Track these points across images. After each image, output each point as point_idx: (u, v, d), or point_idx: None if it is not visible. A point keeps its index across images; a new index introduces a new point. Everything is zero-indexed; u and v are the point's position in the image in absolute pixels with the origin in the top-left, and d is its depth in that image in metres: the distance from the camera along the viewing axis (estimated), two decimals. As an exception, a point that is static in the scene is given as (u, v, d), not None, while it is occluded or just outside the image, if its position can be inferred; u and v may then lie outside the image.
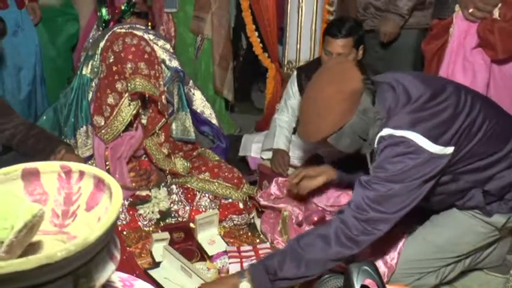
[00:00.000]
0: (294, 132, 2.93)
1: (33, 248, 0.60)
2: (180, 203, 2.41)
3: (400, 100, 1.74)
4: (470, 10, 2.24)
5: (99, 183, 0.65)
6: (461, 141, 1.72)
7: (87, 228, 0.63)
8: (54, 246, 0.61)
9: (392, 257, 2.00)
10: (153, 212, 2.34)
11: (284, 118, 2.85)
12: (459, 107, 1.73)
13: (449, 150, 1.68)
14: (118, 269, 0.73)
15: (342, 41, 2.48)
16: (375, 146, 1.76)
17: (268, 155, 2.80)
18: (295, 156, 2.79)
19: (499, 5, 2.16)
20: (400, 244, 2.02)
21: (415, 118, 1.68)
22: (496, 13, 2.17)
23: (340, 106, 1.70)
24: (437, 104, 1.71)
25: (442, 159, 1.68)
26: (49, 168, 0.66)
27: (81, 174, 0.67)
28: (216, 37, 3.61)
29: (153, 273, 1.96)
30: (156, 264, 2.03)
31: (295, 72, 2.86)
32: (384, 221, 1.69)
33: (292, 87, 2.83)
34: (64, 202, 0.66)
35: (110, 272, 0.59)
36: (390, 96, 1.75)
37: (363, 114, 1.73)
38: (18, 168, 0.64)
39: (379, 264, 1.97)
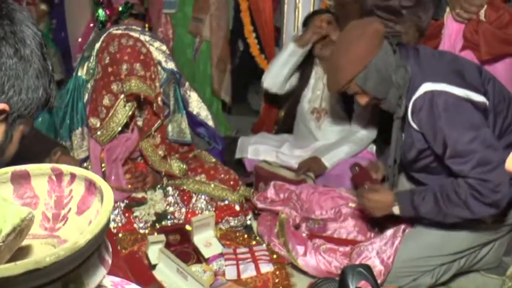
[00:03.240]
0: (290, 132, 2.94)
1: (22, 252, 0.59)
2: (176, 205, 2.40)
3: (427, 56, 1.92)
4: (457, 11, 2.27)
5: (91, 186, 0.64)
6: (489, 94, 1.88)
7: (78, 232, 0.62)
8: (44, 251, 0.60)
9: (389, 255, 2.01)
10: (149, 214, 2.33)
11: None
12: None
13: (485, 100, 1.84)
14: (112, 273, 0.72)
15: (327, 15, 2.73)
16: (415, 98, 1.86)
17: (259, 153, 2.82)
18: (292, 155, 2.79)
19: (485, 6, 2.19)
20: (397, 242, 2.03)
21: (449, 71, 1.85)
22: (482, 15, 2.20)
23: (364, 44, 1.88)
24: (464, 63, 1.94)
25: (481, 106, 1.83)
26: (39, 171, 0.65)
27: (73, 177, 0.65)
28: (215, 39, 3.61)
29: (148, 275, 1.95)
30: (151, 267, 2.02)
31: None
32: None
33: None
34: (55, 205, 0.65)
35: (101, 276, 0.58)
36: (414, 53, 1.93)
37: (386, 55, 1.88)
38: (8, 171, 0.63)
39: (376, 262, 1.98)
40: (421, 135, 1.91)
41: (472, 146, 1.77)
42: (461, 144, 1.78)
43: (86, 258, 0.55)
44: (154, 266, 2.00)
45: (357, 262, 2.03)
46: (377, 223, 2.24)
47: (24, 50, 0.87)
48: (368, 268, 1.00)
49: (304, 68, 2.84)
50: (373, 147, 2.76)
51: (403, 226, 2.08)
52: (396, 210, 1.97)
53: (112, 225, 2.27)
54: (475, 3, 2.20)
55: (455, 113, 1.78)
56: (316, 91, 2.80)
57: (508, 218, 1.99)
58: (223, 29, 3.63)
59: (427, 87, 1.82)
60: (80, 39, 3.43)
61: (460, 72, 1.85)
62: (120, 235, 2.23)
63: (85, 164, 2.37)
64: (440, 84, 1.80)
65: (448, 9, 2.35)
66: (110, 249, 0.61)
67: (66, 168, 0.65)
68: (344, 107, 2.73)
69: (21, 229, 0.54)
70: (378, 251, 2.02)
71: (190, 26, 3.65)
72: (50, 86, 0.94)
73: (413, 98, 1.86)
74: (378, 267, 1.98)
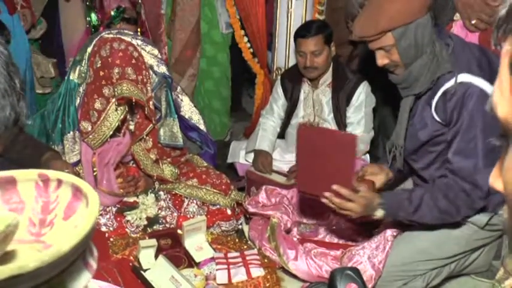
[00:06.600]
0: (282, 137, 2.94)
1: (7, 257, 0.59)
2: (167, 210, 2.40)
3: (458, 45, 1.87)
4: (473, 21, 2.26)
5: (77, 192, 0.64)
6: None
7: (64, 237, 0.63)
8: (29, 256, 0.60)
9: (380, 259, 2.02)
10: (140, 219, 2.33)
11: (269, 123, 2.90)
12: None
13: None
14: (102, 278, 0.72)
15: (313, 39, 2.62)
16: (449, 85, 1.81)
17: (252, 157, 2.82)
18: (284, 160, 2.80)
19: None
20: (388, 247, 2.03)
21: (483, 65, 1.81)
22: None
23: (416, 2, 1.79)
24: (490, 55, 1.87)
25: None
26: (26, 177, 0.65)
27: (59, 182, 0.66)
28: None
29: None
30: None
31: (279, 77, 2.99)
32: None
33: (278, 90, 2.92)
34: (41, 211, 0.65)
35: (85, 281, 0.58)
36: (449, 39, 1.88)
37: (428, 24, 1.81)
38: (-6, 176, 0.63)
39: (367, 267, 1.99)
40: (435, 123, 1.89)
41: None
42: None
43: (70, 263, 0.55)
44: (145, 271, 2.00)
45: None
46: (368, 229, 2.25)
47: None
48: (356, 271, 1.00)
49: (292, 90, 2.86)
50: (367, 156, 2.77)
51: (394, 231, 2.09)
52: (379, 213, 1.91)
53: (103, 229, 2.27)
54: (494, 14, 2.21)
55: (484, 111, 1.72)
56: (307, 109, 2.82)
57: (498, 223, 2.00)
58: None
59: (464, 78, 1.79)
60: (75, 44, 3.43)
61: (492, 66, 1.83)
62: (111, 239, 2.23)
63: (77, 168, 2.36)
64: (476, 78, 1.78)
65: (456, 17, 2.33)
66: (95, 254, 0.62)
67: (52, 174, 0.66)
68: (337, 120, 2.74)
69: (6, 235, 0.54)
70: (369, 256, 2.03)
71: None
72: (18, 104, 0.95)
73: (447, 85, 1.82)
74: (369, 271, 1.99)
